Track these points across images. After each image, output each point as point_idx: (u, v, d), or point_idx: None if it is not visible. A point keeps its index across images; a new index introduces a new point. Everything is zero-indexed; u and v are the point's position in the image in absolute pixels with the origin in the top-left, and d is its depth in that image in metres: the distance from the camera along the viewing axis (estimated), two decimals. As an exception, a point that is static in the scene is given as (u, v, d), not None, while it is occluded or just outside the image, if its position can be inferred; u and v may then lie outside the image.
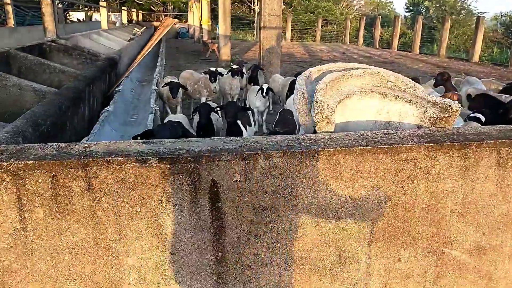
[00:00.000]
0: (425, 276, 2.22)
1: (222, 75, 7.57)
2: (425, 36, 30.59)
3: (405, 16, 44.67)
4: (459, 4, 39.05)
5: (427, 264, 2.20)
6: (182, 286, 1.91)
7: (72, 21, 27.96)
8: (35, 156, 1.70)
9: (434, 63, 19.57)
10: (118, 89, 7.30)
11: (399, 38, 29.29)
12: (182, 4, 42.63)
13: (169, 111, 6.83)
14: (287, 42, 32.15)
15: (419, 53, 25.47)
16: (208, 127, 4.94)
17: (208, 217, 1.84)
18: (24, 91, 5.30)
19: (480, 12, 35.83)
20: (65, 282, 1.80)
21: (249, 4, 44.49)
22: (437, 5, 39.56)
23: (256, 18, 32.47)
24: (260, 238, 1.92)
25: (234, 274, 1.96)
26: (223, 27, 16.09)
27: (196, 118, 5.01)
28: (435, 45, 28.63)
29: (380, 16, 34.01)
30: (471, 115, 4.50)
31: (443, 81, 6.63)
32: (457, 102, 2.25)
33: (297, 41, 36.26)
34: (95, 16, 30.93)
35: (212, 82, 7.29)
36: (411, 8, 45.27)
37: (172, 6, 44.75)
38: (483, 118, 4.31)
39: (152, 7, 44.99)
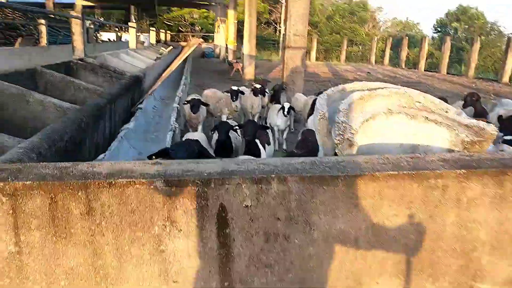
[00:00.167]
0: (456, 316, 2.01)
1: (243, 93, 7.51)
2: (453, 56, 30.05)
3: (432, 37, 44.16)
4: (489, 25, 38.34)
5: (458, 302, 1.99)
6: (187, 319, 1.76)
7: (103, 41, 28.80)
8: (34, 176, 1.60)
9: (462, 84, 19.09)
10: (140, 106, 7.32)
11: (426, 58, 28.85)
12: (210, 25, 43.41)
13: (190, 129, 6.77)
14: (312, 62, 32.14)
15: (446, 73, 24.96)
16: (226, 145, 4.83)
17: (215, 244, 1.69)
18: (46, 108, 5.34)
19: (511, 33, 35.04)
20: (62, 310, 1.68)
21: (275, 25, 44.95)
22: (466, 26, 38.95)
23: (281, 39, 32.67)
24: (270, 268, 1.76)
25: (244, 307, 1.80)
26: (248, 47, 16.18)
27: (215, 136, 4.91)
28: (463, 66, 28.05)
29: (407, 37, 33.65)
30: (504, 137, 4.24)
31: (472, 102, 6.34)
32: (492, 125, 2.05)
33: (322, 61, 36.23)
34: (125, 36, 31.78)
35: (234, 101, 7.23)
36: (439, 29, 44.79)
37: (199, 27, 45.64)
38: (517, 142, 4.04)
39: (180, 28, 45.99)
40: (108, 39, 31.22)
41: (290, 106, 6.88)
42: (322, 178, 1.68)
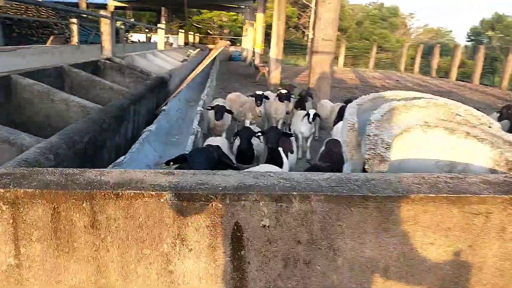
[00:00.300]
0: None
1: (268, 98, 7.36)
2: (487, 66, 29.08)
3: (465, 46, 43.01)
4: (526, 34, 37.04)
5: None
6: None
7: (133, 42, 29.24)
8: (37, 184, 1.49)
9: (495, 95, 18.39)
10: (164, 108, 7.27)
11: (458, 67, 28.02)
12: (238, 29, 43.56)
13: (213, 134, 6.64)
14: (339, 68, 31.74)
15: (479, 84, 24.16)
16: (248, 152, 4.69)
17: (228, 267, 1.54)
18: (70, 107, 5.32)
19: (549, 43, 33.68)
20: (61, 329, 1.56)
21: (303, 29, 44.72)
22: (501, 35, 37.72)
23: (308, 43, 32.42)
24: (290, 296, 1.60)
25: (257, 336, 1.63)
26: (275, 51, 16.04)
27: (237, 142, 4.78)
28: (496, 77, 27.10)
29: (439, 45, 32.82)
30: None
31: (509, 115, 5.99)
32: (545, 144, 1.83)
33: (349, 67, 35.75)
34: (154, 37, 32.22)
35: (258, 105, 7.08)
36: (472, 37, 43.60)
37: (228, 30, 45.87)
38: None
39: (209, 31, 46.33)
40: (138, 40, 31.73)
41: (315, 113, 6.69)
42: (349, 198, 1.51)
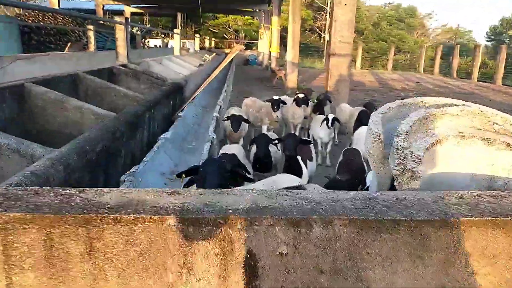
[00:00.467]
0: None
1: (285, 103, 7.17)
2: (509, 66, 28.29)
3: (486, 46, 42.06)
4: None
5: None
6: None
7: (149, 47, 29.47)
8: (28, 207, 1.35)
9: (520, 96, 17.82)
10: (180, 114, 7.16)
11: (480, 68, 27.33)
12: (254, 32, 43.54)
13: (228, 141, 6.47)
14: (357, 70, 31.35)
15: (502, 84, 23.48)
16: (265, 160, 4.52)
17: (241, 300, 1.37)
18: (84, 114, 5.25)
19: None
20: None
21: (319, 32, 44.42)
22: (524, 33, 36.75)
23: (325, 46, 32.12)
24: (311, 332, 1.41)
25: None
26: (291, 54, 15.87)
27: (254, 149, 4.62)
28: (520, 77, 26.34)
29: (459, 45, 32.10)
30: None
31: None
32: None
33: (367, 69, 35.29)
34: (171, 42, 32.41)
35: (275, 111, 6.91)
36: (492, 37, 42.61)
37: (244, 34, 45.90)
38: None
39: (224, 35, 46.45)
40: (155, 45, 31.99)
41: (334, 117, 6.48)
42: (378, 222, 1.32)
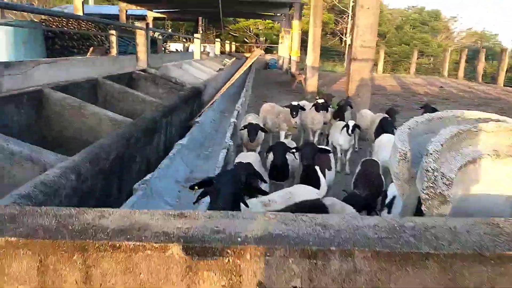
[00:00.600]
0: None
1: (304, 109, 7.01)
2: (537, 71, 27.43)
3: (513, 49, 40.87)
4: None
5: None
6: None
7: (170, 51, 29.70)
8: (22, 230, 1.25)
9: (550, 102, 17.17)
10: (198, 120, 7.09)
11: (506, 72, 26.54)
12: (274, 36, 43.47)
13: (244, 149, 6.33)
14: (378, 74, 30.89)
15: (530, 89, 22.73)
16: (282, 168, 4.39)
17: (250, 338, 1.24)
18: (101, 120, 5.22)
19: None
20: None
21: (340, 35, 44.04)
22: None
23: (346, 50, 31.78)
24: None
25: None
26: (312, 58, 15.70)
27: (271, 157, 4.49)
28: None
29: (484, 49, 31.27)
30: None
31: None
32: None
33: (389, 73, 34.75)
34: (192, 47, 32.62)
35: (293, 117, 6.76)
36: (520, 40, 41.41)
37: (264, 38, 45.88)
38: None
39: (245, 39, 46.52)
40: (176, 49, 32.21)
41: (355, 124, 6.29)
42: (405, 255, 1.17)
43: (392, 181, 2.22)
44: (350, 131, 6.18)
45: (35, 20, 17.15)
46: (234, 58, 24.94)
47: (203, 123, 7.27)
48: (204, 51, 26.43)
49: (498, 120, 1.73)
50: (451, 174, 1.44)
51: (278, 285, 1.21)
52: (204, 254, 1.19)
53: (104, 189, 3.68)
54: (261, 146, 7.13)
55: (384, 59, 34.08)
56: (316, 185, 3.67)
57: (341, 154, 6.81)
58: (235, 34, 45.68)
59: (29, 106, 4.92)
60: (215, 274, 1.20)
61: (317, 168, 3.92)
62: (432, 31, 46.65)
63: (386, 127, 5.98)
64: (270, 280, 1.20)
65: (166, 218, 1.35)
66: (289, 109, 6.90)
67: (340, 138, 6.47)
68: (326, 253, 1.18)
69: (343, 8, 41.30)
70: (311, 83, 15.71)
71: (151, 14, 32.12)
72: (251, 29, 45.80)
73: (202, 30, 35.47)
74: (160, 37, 25.13)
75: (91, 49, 14.95)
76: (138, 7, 28.37)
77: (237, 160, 4.43)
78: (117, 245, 1.19)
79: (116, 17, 27.46)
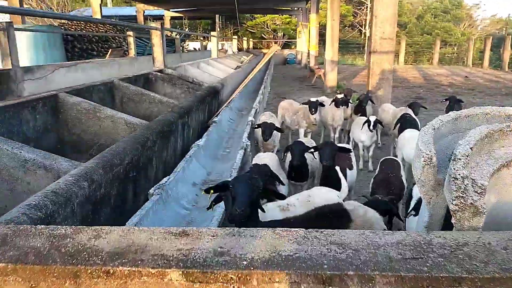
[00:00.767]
0: None
1: (323, 105, 6.83)
2: None
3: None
4: None
5: None
6: None
7: (188, 50, 29.76)
8: (14, 254, 1.16)
9: None
10: (215, 120, 6.99)
11: (533, 59, 25.56)
12: (292, 31, 43.09)
13: (261, 149, 6.17)
14: (400, 66, 30.22)
15: (560, 76, 21.80)
16: (301, 168, 4.24)
17: None
18: (117, 124, 5.18)
19: None
20: None
21: (360, 28, 43.32)
22: None
23: (366, 42, 31.21)
24: None
25: None
26: (330, 52, 15.42)
27: (289, 157, 4.35)
28: None
29: (510, 36, 30.17)
30: None
31: None
32: None
33: (411, 64, 33.97)
34: (210, 45, 32.61)
35: (312, 113, 6.59)
36: (549, 25, 39.88)
37: (282, 33, 45.52)
38: None
39: (263, 35, 46.26)
40: (194, 48, 32.28)
41: (376, 119, 6.08)
42: (434, 280, 1.02)
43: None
44: (371, 127, 5.97)
45: (55, 24, 17.40)
46: (252, 55, 24.80)
47: (221, 123, 7.17)
48: (222, 48, 26.39)
49: (535, 118, 1.56)
50: (483, 181, 1.28)
51: (289, 314, 1.08)
52: (206, 280, 1.07)
53: (119, 196, 3.62)
54: (280, 145, 7.00)
55: (405, 50, 33.33)
56: (337, 186, 3.51)
57: (364, 150, 6.61)
58: (252, 31, 45.46)
59: (45, 111, 4.91)
60: (219, 302, 1.08)
61: (337, 168, 3.76)
62: (454, 20, 45.33)
63: (404, 125, 5.74)
64: (280, 308, 1.08)
65: (166, 237, 1.24)
66: (307, 106, 6.73)
67: (362, 134, 6.27)
68: (343, 278, 1.04)
69: (362, 0, 40.60)
70: (331, 78, 15.44)
71: (168, 14, 32.27)
72: (268, 24, 45.49)
73: (219, 27, 35.42)
74: (177, 36, 25.19)
75: (109, 51, 15.06)
76: (155, 8, 28.51)
77: (254, 161, 4.30)
78: (111, 271, 1.09)
79: (134, 18, 27.67)
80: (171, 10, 31.82)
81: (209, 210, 2.77)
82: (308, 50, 23.99)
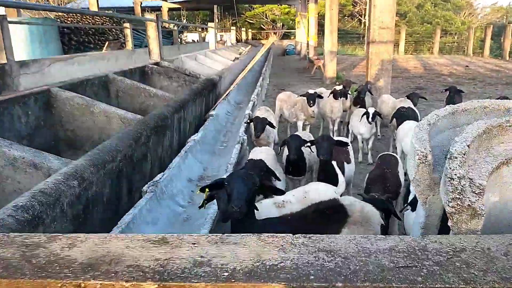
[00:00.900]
0: None
1: (321, 97, 6.72)
2: None
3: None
4: None
5: None
6: None
7: (187, 42, 29.54)
8: (-22, 266, 1.09)
9: None
10: (212, 113, 6.90)
11: (535, 48, 25.33)
12: (291, 21, 42.76)
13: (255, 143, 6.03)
14: (400, 56, 30.00)
15: (562, 64, 21.61)
16: (298, 163, 4.17)
17: None
18: (111, 119, 5.09)
19: None
20: None
21: (359, 17, 42.99)
22: None
23: (366, 32, 31.01)
24: None
25: None
26: (329, 42, 15.26)
27: (286, 151, 4.27)
28: None
29: (511, 25, 29.87)
30: None
31: None
32: None
33: (411, 53, 33.73)
34: (208, 36, 32.34)
35: (311, 106, 6.49)
36: (550, 12, 39.50)
37: (281, 24, 45.19)
38: None
39: (262, 26, 45.92)
40: (192, 40, 32.02)
41: (375, 111, 5.98)
42: (428, 291, 0.95)
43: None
44: (370, 119, 5.88)
45: (51, 17, 17.22)
46: (250, 46, 24.62)
47: (218, 116, 7.08)
48: (221, 40, 26.18)
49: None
50: (481, 180, 1.20)
51: (274, 328, 1.01)
52: (184, 293, 1.00)
53: (113, 194, 3.55)
54: (279, 138, 6.91)
55: (405, 39, 33.07)
56: (335, 181, 3.44)
57: (363, 143, 6.53)
58: (251, 21, 45.10)
59: (37, 107, 4.83)
60: (198, 317, 1.01)
61: (334, 163, 3.67)
62: (454, 8, 44.95)
63: (400, 119, 5.65)
64: (264, 322, 1.00)
65: (144, 246, 1.16)
66: (305, 98, 6.63)
67: (361, 126, 6.18)
68: (330, 291, 0.97)
69: (361, -11, 40.24)
70: (330, 68, 15.31)
71: (166, 5, 31.97)
72: (267, 15, 45.13)
73: (217, 18, 35.13)
74: (175, 28, 24.98)
75: (106, 43, 14.92)
76: (152, -1, 28.28)
77: (250, 156, 4.22)
78: (82, 285, 1.01)
79: (131, 9, 27.43)
80: (168, 1, 31.53)
81: (201, 209, 2.71)
82: (307, 41, 23.79)
